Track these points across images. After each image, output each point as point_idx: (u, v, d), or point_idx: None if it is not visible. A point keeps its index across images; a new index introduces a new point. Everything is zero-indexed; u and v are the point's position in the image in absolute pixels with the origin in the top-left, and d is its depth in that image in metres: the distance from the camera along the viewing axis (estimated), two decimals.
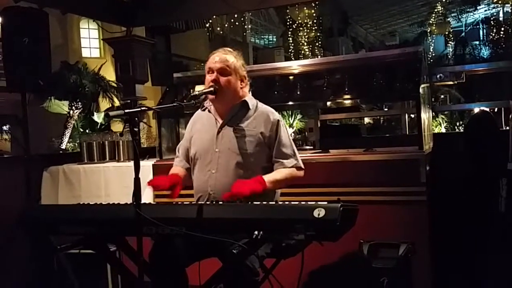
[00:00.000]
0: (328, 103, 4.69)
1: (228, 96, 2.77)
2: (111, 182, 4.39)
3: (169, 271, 2.58)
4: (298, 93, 4.28)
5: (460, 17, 19.69)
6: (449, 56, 18.55)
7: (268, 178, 2.64)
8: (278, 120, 2.80)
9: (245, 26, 16.50)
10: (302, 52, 16.70)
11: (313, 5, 14.20)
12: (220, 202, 2.52)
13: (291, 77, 4.39)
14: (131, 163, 2.35)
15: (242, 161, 2.70)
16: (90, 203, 2.78)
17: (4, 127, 9.07)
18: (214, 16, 11.96)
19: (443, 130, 11.27)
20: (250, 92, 2.94)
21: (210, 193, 2.72)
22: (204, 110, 2.93)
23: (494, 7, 18.41)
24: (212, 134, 2.81)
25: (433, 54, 19.23)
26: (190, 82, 4.53)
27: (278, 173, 2.72)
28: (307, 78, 4.34)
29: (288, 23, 16.88)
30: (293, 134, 10.17)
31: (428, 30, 19.25)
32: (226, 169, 2.71)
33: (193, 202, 2.70)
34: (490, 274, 3.64)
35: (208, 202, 2.67)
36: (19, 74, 4.18)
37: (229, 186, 2.61)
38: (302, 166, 2.83)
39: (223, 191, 2.64)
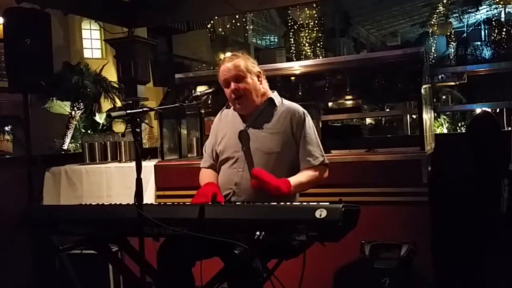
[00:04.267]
0: (330, 104, 4.71)
1: (252, 98, 2.76)
2: (113, 183, 4.39)
3: (177, 271, 2.58)
4: (300, 93, 4.28)
5: (461, 17, 19.65)
6: (451, 57, 18.54)
7: (293, 181, 2.61)
8: (305, 116, 2.78)
9: (247, 27, 16.51)
10: (304, 52, 16.70)
11: (315, 5, 14.18)
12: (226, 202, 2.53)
13: (292, 78, 4.39)
14: (133, 164, 2.36)
15: (270, 159, 2.69)
16: (92, 203, 2.78)
17: (6, 128, 9.07)
18: (216, 17, 11.96)
19: (445, 131, 11.28)
20: (275, 91, 2.92)
21: (234, 190, 2.71)
22: (229, 108, 2.92)
23: (495, 8, 18.38)
24: (239, 132, 2.78)
25: (435, 55, 19.22)
26: (192, 83, 4.53)
27: (304, 176, 2.69)
28: (308, 78, 4.34)
29: (289, 24, 16.88)
30: None
31: (430, 31, 19.22)
32: (254, 168, 2.69)
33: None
34: (492, 274, 3.64)
35: (231, 199, 2.70)
36: (21, 75, 4.19)
37: None
38: (328, 163, 2.80)
39: (247, 189, 2.64)
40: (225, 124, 2.91)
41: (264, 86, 2.85)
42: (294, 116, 2.76)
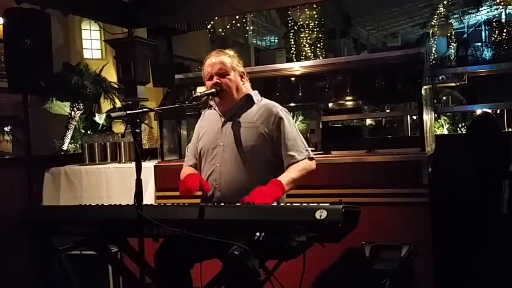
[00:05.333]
0: (330, 105, 4.70)
1: (232, 95, 2.78)
2: (112, 183, 4.38)
3: (175, 272, 2.57)
4: (300, 94, 4.27)
5: (462, 18, 19.70)
6: (451, 58, 18.58)
7: (285, 180, 2.61)
8: (283, 113, 2.79)
9: (247, 28, 16.52)
10: (304, 53, 16.72)
11: (315, 6, 14.20)
12: (223, 203, 2.53)
13: (292, 79, 4.38)
14: (133, 164, 2.35)
15: (246, 154, 2.70)
16: (92, 204, 2.78)
17: (6, 128, 9.08)
18: (216, 17, 11.96)
19: (445, 132, 11.28)
20: (255, 90, 2.93)
21: (215, 187, 2.72)
22: (210, 108, 2.94)
23: (496, 9, 18.40)
24: (217, 128, 2.82)
25: (435, 56, 19.25)
26: (192, 84, 4.52)
27: (293, 172, 2.68)
28: (309, 79, 4.34)
29: (290, 25, 16.90)
30: None
31: (430, 32, 19.27)
32: (230, 163, 2.71)
33: (194, 203, 2.68)
34: (492, 276, 3.63)
35: (214, 195, 2.71)
36: (21, 75, 4.18)
37: (233, 179, 2.64)
38: (313, 156, 2.81)
39: (227, 184, 2.67)
40: (205, 123, 2.94)
41: (246, 86, 2.87)
42: (271, 113, 2.77)
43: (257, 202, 2.42)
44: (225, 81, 2.75)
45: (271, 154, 2.75)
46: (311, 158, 2.79)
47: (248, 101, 2.83)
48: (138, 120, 2.40)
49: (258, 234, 2.12)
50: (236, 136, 2.73)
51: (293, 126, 2.81)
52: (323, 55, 17.10)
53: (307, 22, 15.79)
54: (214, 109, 2.89)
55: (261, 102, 2.85)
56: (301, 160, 2.73)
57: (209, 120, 2.91)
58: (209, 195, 2.74)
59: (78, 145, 8.19)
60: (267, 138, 2.73)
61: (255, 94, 2.87)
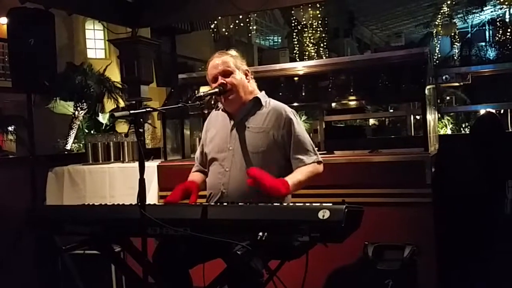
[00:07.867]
0: (333, 104, 4.70)
1: (239, 94, 2.75)
2: (116, 183, 4.39)
3: (172, 272, 2.57)
4: (303, 94, 4.27)
5: (466, 18, 19.64)
6: (455, 58, 18.53)
7: (292, 181, 2.57)
8: (292, 115, 2.76)
9: (250, 27, 16.50)
10: (307, 53, 16.70)
11: (318, 6, 14.16)
12: (227, 203, 2.53)
13: (296, 78, 4.37)
14: (136, 164, 2.35)
15: (256, 159, 2.67)
16: (95, 203, 2.78)
17: (10, 128, 9.11)
18: (219, 17, 11.96)
19: (449, 132, 11.27)
20: (263, 91, 2.91)
21: (223, 191, 2.70)
22: (218, 109, 2.92)
23: (500, 8, 18.32)
24: (226, 132, 2.79)
25: (439, 55, 19.19)
26: (195, 83, 4.53)
27: (300, 174, 2.66)
28: (312, 79, 4.33)
29: (293, 24, 16.87)
30: None
31: (434, 31, 19.20)
32: (240, 167, 2.68)
33: (199, 203, 2.68)
34: (496, 275, 3.62)
35: (221, 201, 2.68)
36: (25, 75, 4.19)
37: (242, 184, 2.60)
38: (321, 160, 2.79)
39: (236, 189, 2.64)
40: (214, 125, 2.91)
41: (252, 84, 2.84)
42: (281, 116, 2.74)
43: (261, 179, 2.42)
44: (230, 80, 2.72)
45: (282, 159, 2.73)
46: (319, 162, 2.77)
47: (257, 104, 2.79)
48: (141, 119, 2.40)
49: (260, 234, 2.12)
50: (246, 141, 2.71)
51: (302, 128, 2.79)
52: (327, 55, 17.07)
53: (310, 22, 15.75)
54: (222, 110, 2.87)
55: (269, 104, 2.81)
56: (310, 163, 2.71)
57: (217, 122, 2.88)
58: (217, 199, 2.72)
59: (81, 145, 8.22)
60: (278, 142, 2.71)
61: (263, 96, 2.84)
